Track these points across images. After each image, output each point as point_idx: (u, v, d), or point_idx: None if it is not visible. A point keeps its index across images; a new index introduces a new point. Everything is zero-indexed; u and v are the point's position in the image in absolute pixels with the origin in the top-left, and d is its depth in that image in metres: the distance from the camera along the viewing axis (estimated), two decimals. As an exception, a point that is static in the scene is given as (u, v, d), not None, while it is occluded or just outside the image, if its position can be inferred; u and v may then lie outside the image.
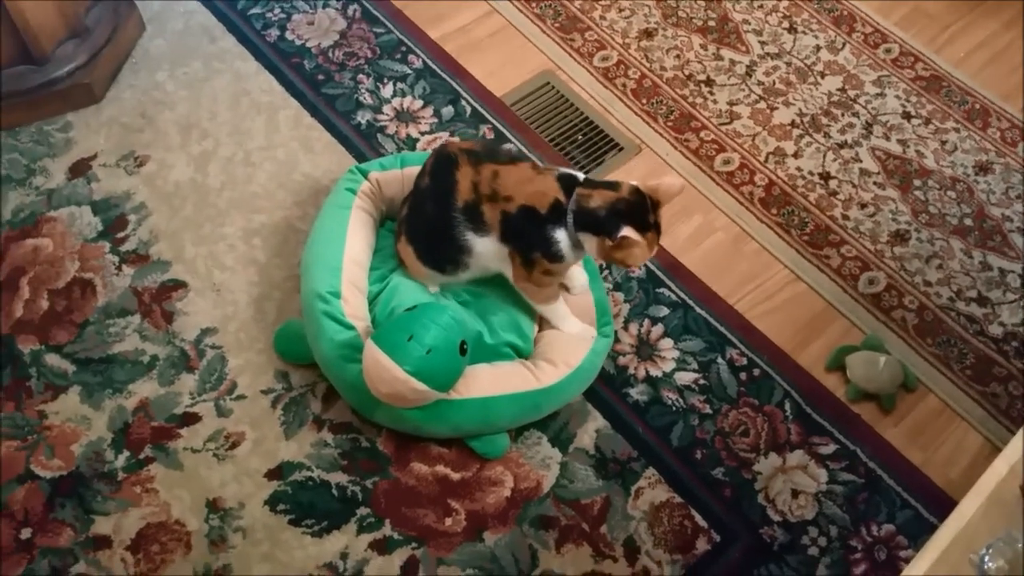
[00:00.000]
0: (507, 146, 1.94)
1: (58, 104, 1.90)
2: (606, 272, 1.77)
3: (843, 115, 2.05)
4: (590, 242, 1.46)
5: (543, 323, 1.63)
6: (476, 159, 1.48)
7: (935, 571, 0.99)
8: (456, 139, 1.93)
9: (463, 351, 1.44)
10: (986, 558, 1.02)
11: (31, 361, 1.60)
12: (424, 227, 1.54)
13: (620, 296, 1.75)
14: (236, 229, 1.78)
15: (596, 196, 1.44)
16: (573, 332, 1.59)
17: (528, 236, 1.47)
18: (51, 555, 1.42)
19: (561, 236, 1.46)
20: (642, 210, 1.43)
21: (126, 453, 1.52)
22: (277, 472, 1.51)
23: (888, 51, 2.18)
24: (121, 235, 1.76)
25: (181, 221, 1.79)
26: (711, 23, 2.20)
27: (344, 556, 1.44)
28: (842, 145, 2.00)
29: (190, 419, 1.56)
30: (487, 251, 1.50)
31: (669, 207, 1.47)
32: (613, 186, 1.46)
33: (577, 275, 1.64)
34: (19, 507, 1.46)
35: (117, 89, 1.97)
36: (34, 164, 1.84)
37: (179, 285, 1.71)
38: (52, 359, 1.61)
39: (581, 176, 1.49)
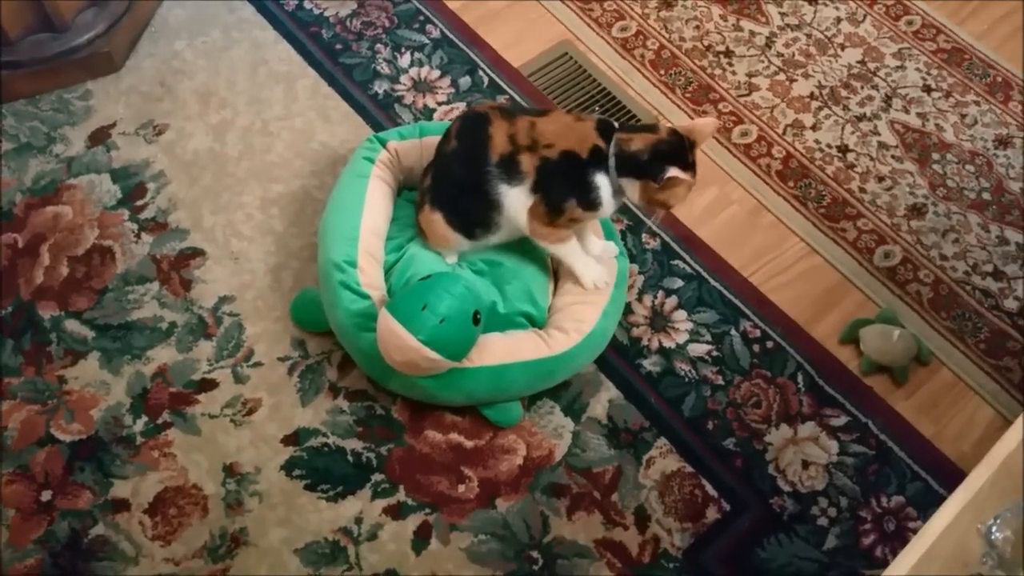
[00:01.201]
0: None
1: (78, 72, 1.91)
2: (623, 242, 1.77)
3: (862, 88, 2.03)
4: (632, 187, 1.47)
5: (557, 291, 1.64)
6: (508, 113, 1.49)
7: (943, 540, 0.99)
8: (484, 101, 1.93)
9: (476, 321, 1.45)
10: (993, 528, 1.03)
11: (51, 327, 1.63)
12: (453, 190, 1.54)
13: (635, 267, 1.75)
14: (254, 198, 1.80)
15: (637, 139, 1.44)
16: (589, 274, 1.58)
17: (565, 182, 1.47)
18: (71, 517, 1.45)
19: (603, 182, 1.46)
20: (682, 150, 1.44)
21: (144, 418, 1.54)
22: (293, 438, 1.53)
23: (910, 23, 2.15)
24: (140, 203, 1.78)
25: (199, 190, 1.80)
26: (730, -7, 2.18)
27: (359, 521, 1.46)
28: (861, 118, 1.98)
29: (208, 385, 1.58)
30: (517, 203, 1.50)
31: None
32: (652, 128, 1.46)
33: (594, 241, 1.64)
34: (39, 470, 1.49)
35: (136, 58, 1.98)
36: (54, 132, 1.86)
37: (197, 253, 1.72)
38: (72, 325, 1.63)
39: (616, 124, 1.49)
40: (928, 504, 1.52)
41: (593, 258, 1.60)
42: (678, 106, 1.98)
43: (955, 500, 1.02)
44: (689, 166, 1.44)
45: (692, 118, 1.96)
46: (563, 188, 1.47)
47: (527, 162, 1.47)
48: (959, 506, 1.01)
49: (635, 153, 1.44)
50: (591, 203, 1.47)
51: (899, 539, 1.49)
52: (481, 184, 1.49)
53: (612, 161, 1.45)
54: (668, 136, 1.45)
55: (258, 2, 2.08)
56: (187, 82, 1.95)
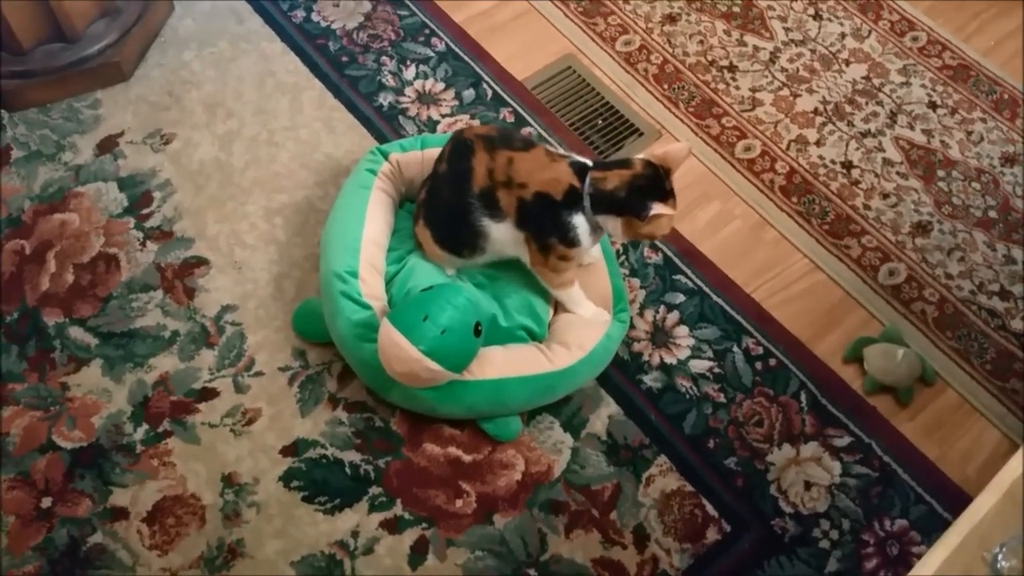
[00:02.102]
0: (526, 130, 1.93)
1: (88, 81, 1.93)
2: (623, 258, 1.77)
3: (867, 104, 2.03)
4: (613, 223, 1.46)
5: (558, 307, 1.64)
6: (491, 145, 1.49)
7: (947, 568, 0.97)
8: (476, 123, 1.94)
9: (477, 333, 1.44)
10: (999, 557, 1.01)
11: (55, 333, 1.63)
12: (441, 212, 1.55)
13: (636, 282, 1.75)
14: (258, 208, 1.80)
15: (612, 177, 1.44)
16: (588, 316, 1.59)
17: (544, 222, 1.47)
18: (69, 524, 1.45)
19: (579, 221, 1.46)
20: (659, 181, 1.44)
21: (145, 426, 1.54)
22: (292, 449, 1.53)
23: (915, 39, 2.14)
24: (146, 211, 1.79)
25: (205, 199, 1.81)
26: (735, 9, 2.18)
27: (355, 534, 1.46)
28: (865, 134, 1.98)
29: (208, 394, 1.58)
30: (503, 237, 1.51)
31: (688, 193, 1.47)
32: (626, 164, 1.46)
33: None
34: (40, 476, 1.49)
35: (145, 68, 1.99)
36: (63, 140, 1.87)
37: (201, 262, 1.73)
38: (76, 332, 1.64)
39: (591, 163, 1.49)
40: (932, 528, 1.50)
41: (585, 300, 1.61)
42: (681, 120, 1.98)
43: (960, 526, 1.00)
44: (668, 195, 1.44)
45: (695, 133, 1.96)
46: (543, 227, 1.48)
47: (505, 199, 1.47)
48: (964, 533, 0.99)
49: (612, 191, 1.43)
50: (570, 241, 1.48)
51: (902, 564, 1.47)
52: (466, 213, 1.49)
53: (587, 200, 1.45)
54: (644, 170, 1.44)
55: (266, 14, 2.09)
56: (195, 92, 1.96)
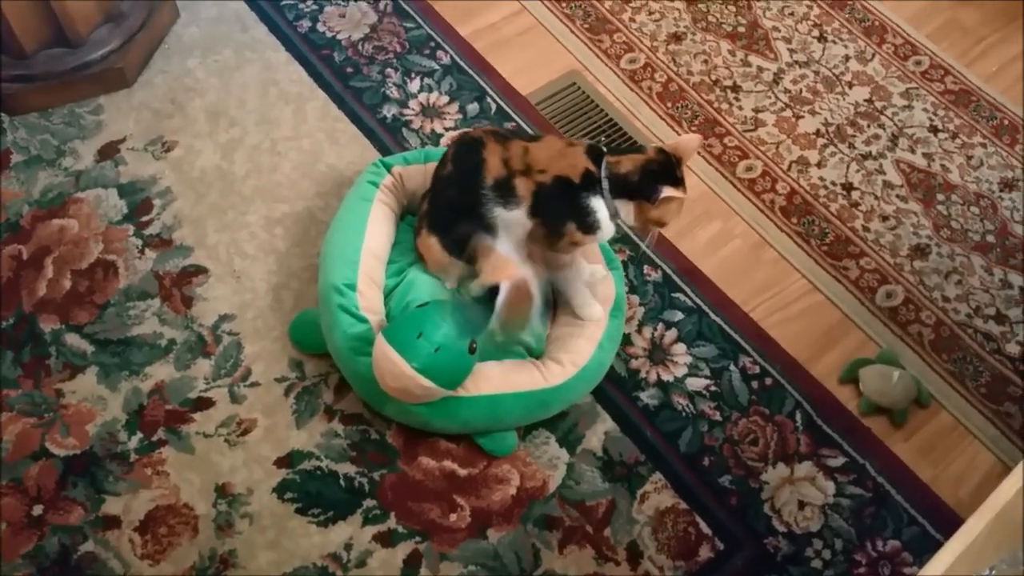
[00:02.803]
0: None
1: (90, 87, 1.93)
2: (624, 273, 1.77)
3: (869, 126, 2.03)
4: (625, 207, 1.48)
5: (554, 321, 1.64)
6: (503, 137, 1.51)
7: (938, 589, 0.98)
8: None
9: (472, 350, 1.44)
10: (988, 579, 1.02)
11: (51, 340, 1.63)
12: (449, 214, 1.55)
13: (635, 299, 1.75)
14: (259, 217, 1.80)
15: (625, 161, 1.46)
16: (585, 309, 1.59)
17: (562, 207, 1.48)
18: (61, 532, 1.44)
19: (598, 205, 1.47)
20: (670, 167, 1.46)
21: (139, 435, 1.54)
22: (286, 460, 1.53)
23: (918, 63, 2.16)
24: (145, 219, 1.79)
25: (205, 207, 1.81)
26: (740, 29, 2.19)
27: (348, 547, 1.46)
28: (866, 156, 1.98)
29: (204, 404, 1.58)
30: (514, 227, 1.50)
31: (689, 211, 1.47)
32: (639, 149, 1.49)
33: (583, 265, 1.64)
34: (32, 484, 1.48)
35: (149, 74, 1.99)
36: (64, 145, 1.87)
37: (200, 271, 1.73)
38: (72, 339, 1.64)
39: (604, 148, 1.51)
40: (924, 550, 1.50)
41: (584, 284, 1.61)
42: (684, 139, 1.99)
43: (951, 548, 1.01)
44: (679, 182, 1.46)
45: (697, 152, 1.95)
46: (561, 212, 1.48)
47: (522, 186, 1.48)
48: (955, 554, 1.00)
49: (626, 175, 1.45)
50: (589, 226, 1.48)
51: (894, 584, 1.48)
52: (476, 207, 1.50)
53: (605, 184, 1.46)
54: (656, 155, 1.46)
55: (272, 23, 2.09)
56: (198, 100, 1.96)
